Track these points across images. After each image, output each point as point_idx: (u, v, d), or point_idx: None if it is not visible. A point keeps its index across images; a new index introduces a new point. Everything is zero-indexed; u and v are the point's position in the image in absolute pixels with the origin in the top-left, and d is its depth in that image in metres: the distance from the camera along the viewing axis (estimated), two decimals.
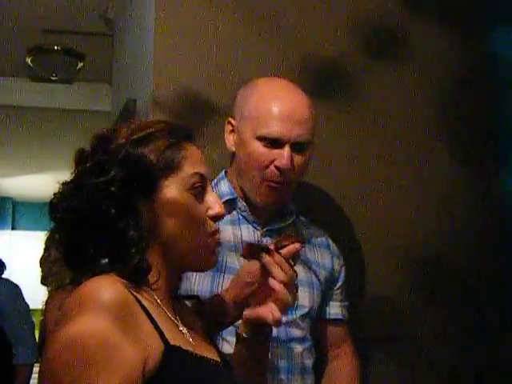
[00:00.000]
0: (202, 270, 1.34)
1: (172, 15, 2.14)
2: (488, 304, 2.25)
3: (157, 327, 1.10)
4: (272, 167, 1.63)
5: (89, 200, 1.15)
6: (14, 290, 3.77)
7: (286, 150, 1.62)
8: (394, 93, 2.29)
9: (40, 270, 3.34)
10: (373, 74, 2.27)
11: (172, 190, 1.19)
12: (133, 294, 1.10)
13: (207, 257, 1.24)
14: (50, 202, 1.20)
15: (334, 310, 1.81)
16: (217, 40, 2.16)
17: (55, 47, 4.02)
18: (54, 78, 4.28)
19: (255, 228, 1.71)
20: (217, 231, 1.25)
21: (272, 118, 1.63)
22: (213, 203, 1.24)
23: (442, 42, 2.37)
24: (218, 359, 1.24)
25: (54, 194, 1.20)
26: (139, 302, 1.10)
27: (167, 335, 1.10)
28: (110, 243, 1.15)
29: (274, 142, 1.62)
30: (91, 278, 1.11)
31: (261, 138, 1.63)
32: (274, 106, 1.64)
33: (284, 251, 1.31)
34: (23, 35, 4.13)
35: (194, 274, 1.60)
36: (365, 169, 2.22)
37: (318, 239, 1.81)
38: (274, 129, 1.62)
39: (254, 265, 1.31)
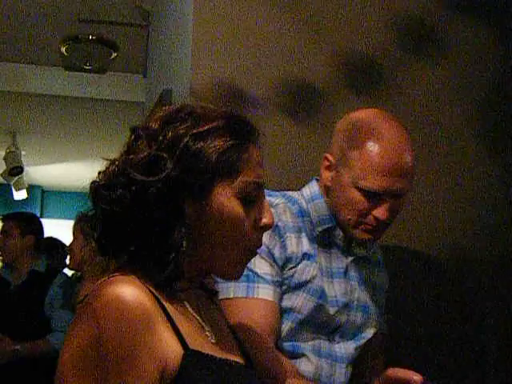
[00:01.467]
0: (226, 279, 1.26)
1: (210, 6, 2.15)
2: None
3: (177, 331, 1.07)
4: (370, 216, 1.59)
5: (137, 196, 1.09)
6: (68, 283, 3.75)
7: (387, 203, 1.58)
8: (427, 89, 2.28)
9: (68, 256, 3.37)
10: (407, 70, 2.26)
11: (224, 196, 1.13)
12: (155, 295, 1.07)
13: (237, 269, 1.19)
14: (95, 188, 1.12)
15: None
16: (254, 31, 2.16)
17: (89, 36, 4.04)
18: (87, 68, 4.30)
19: (345, 256, 1.70)
20: (259, 246, 1.19)
21: (376, 172, 1.56)
22: (265, 212, 1.18)
23: (477, 40, 2.35)
24: (241, 359, 1.21)
25: (100, 180, 1.12)
26: (161, 303, 1.07)
27: (187, 339, 1.08)
28: (149, 242, 1.09)
29: (374, 194, 1.58)
30: (114, 274, 1.08)
31: (361, 189, 1.58)
32: (380, 158, 1.56)
33: None
34: (58, 24, 4.17)
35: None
36: None
37: (380, 261, 1.82)
38: (378, 184, 1.56)
39: None
